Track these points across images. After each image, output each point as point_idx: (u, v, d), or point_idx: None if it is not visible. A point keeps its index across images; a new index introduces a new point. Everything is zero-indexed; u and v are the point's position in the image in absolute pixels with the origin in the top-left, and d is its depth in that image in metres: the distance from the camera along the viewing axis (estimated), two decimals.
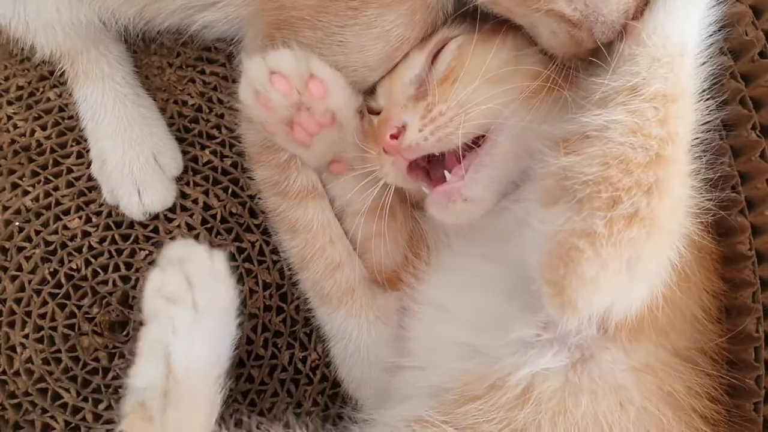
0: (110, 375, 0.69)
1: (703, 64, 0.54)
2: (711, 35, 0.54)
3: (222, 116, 0.74)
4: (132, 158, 0.70)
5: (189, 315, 0.55)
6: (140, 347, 0.56)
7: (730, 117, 0.65)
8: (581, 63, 0.59)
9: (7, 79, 0.75)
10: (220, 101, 0.75)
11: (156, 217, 0.72)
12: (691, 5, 0.53)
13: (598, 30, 0.55)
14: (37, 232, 0.71)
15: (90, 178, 0.72)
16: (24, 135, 0.74)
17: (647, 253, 0.49)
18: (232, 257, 0.71)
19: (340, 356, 0.66)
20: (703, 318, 0.59)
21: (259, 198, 0.70)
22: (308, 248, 0.65)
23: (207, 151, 0.73)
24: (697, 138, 0.55)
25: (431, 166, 0.59)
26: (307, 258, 0.65)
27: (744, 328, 0.63)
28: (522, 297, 0.54)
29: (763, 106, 0.63)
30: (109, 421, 0.67)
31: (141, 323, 0.64)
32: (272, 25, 0.63)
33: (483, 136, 0.57)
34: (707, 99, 0.54)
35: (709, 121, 0.55)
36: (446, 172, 0.57)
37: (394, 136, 0.56)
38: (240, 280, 0.71)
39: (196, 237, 0.71)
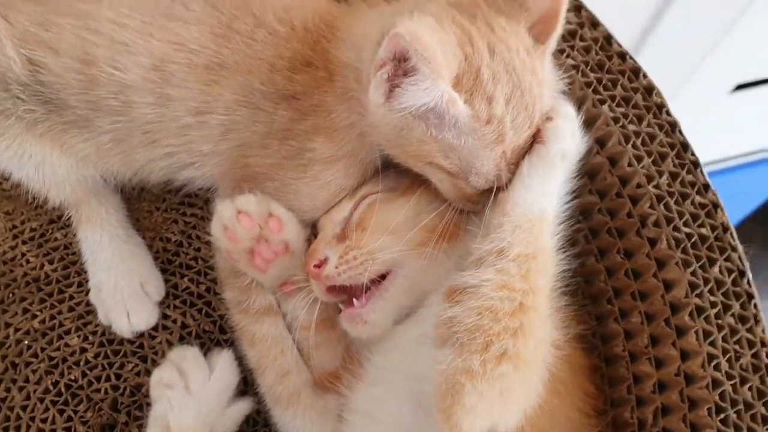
0: None
1: (562, 223, 0.66)
2: (568, 201, 0.67)
3: (199, 250, 0.90)
4: (123, 287, 0.84)
5: (181, 394, 0.73)
6: (148, 423, 0.74)
7: (601, 244, 0.82)
8: (474, 206, 0.70)
9: (23, 222, 0.91)
10: (198, 237, 0.90)
11: (142, 335, 0.85)
12: (547, 181, 0.64)
13: (473, 180, 0.66)
14: (43, 349, 0.85)
15: (88, 304, 0.86)
16: (35, 269, 0.89)
17: (516, 383, 0.59)
18: None
19: None
20: (581, 416, 0.70)
21: (227, 317, 0.85)
22: (263, 358, 0.78)
23: (185, 279, 0.89)
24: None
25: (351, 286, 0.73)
26: (263, 366, 0.78)
27: (621, 416, 0.77)
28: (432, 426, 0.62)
29: (625, 234, 0.79)
30: None
31: (127, 424, 0.79)
32: (239, 179, 0.76)
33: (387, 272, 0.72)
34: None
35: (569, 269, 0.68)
36: (354, 299, 0.71)
37: (317, 266, 0.71)
38: None
39: None
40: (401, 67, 0.59)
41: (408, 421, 0.68)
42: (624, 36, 1.60)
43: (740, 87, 1.87)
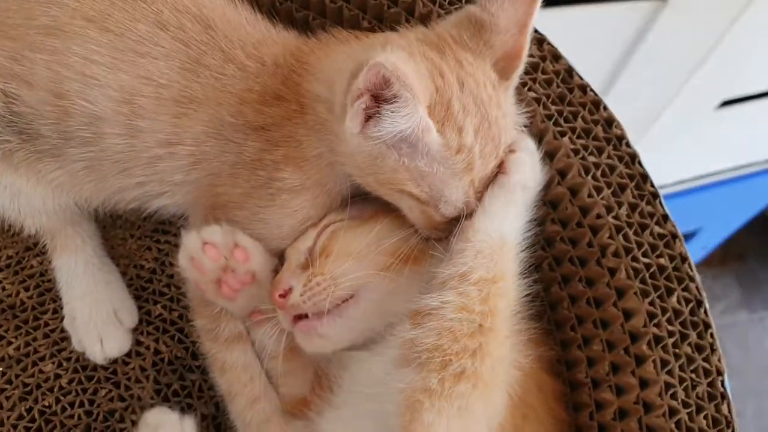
0: None
1: (524, 249, 0.69)
2: (530, 229, 0.69)
3: (172, 276, 0.92)
4: (96, 315, 0.85)
5: None
6: None
7: (564, 272, 0.83)
8: (441, 233, 0.71)
9: None
10: (171, 264, 0.92)
11: (115, 361, 0.87)
12: (508, 209, 0.67)
13: (443, 208, 0.68)
14: (17, 376, 0.87)
15: (63, 330, 0.87)
16: (10, 296, 0.90)
17: (475, 402, 0.60)
18: (175, 394, 0.87)
19: None
20: (550, 419, 0.72)
21: (199, 343, 0.87)
22: (233, 385, 0.79)
23: (159, 306, 0.90)
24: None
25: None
26: (233, 393, 0.79)
27: None
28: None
29: (586, 263, 0.80)
30: None
31: None
32: (210, 207, 0.78)
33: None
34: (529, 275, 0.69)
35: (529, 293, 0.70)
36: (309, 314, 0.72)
37: (282, 296, 0.72)
38: (183, 412, 0.86)
39: (147, 378, 0.87)
40: (382, 95, 0.61)
41: None
42: (608, 52, 1.62)
43: (726, 103, 1.89)
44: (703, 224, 2.35)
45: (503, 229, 0.67)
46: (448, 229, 0.71)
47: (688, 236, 2.35)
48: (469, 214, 0.69)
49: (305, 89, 0.73)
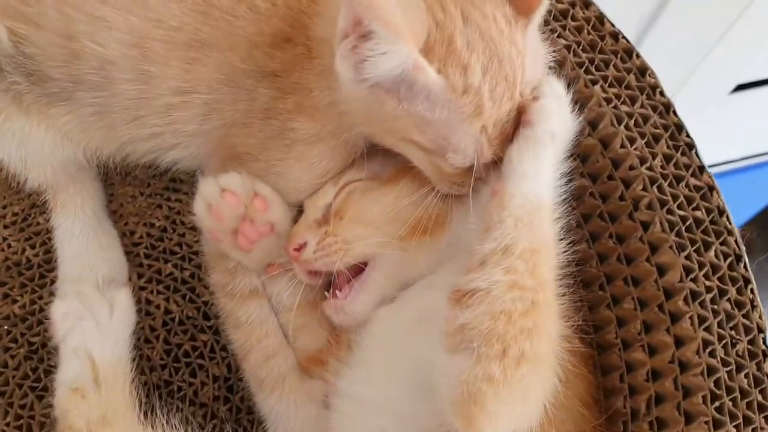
0: None
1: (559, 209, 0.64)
2: (563, 185, 0.64)
3: (183, 235, 0.88)
4: (83, 279, 0.83)
5: (95, 325, 0.72)
6: (62, 359, 0.71)
7: (592, 229, 0.80)
8: (459, 188, 0.68)
9: (4, 207, 0.90)
10: (183, 223, 0.89)
11: None
12: (539, 165, 0.61)
13: (451, 157, 0.63)
14: (22, 335, 0.83)
15: None
16: (16, 253, 0.87)
17: (536, 384, 0.57)
18: (186, 354, 0.83)
19: None
20: (583, 409, 0.68)
21: (211, 303, 0.83)
22: (248, 340, 0.76)
23: (169, 265, 0.87)
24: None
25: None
26: (247, 349, 0.76)
27: (614, 405, 0.75)
28: (428, 403, 0.61)
29: (617, 218, 0.77)
30: None
31: None
32: (225, 159, 0.75)
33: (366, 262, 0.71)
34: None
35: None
36: (336, 291, 0.71)
37: (296, 249, 0.70)
38: (193, 373, 0.83)
39: (157, 338, 0.84)
40: (360, 32, 0.57)
41: (403, 401, 0.66)
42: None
43: (740, 87, 1.85)
44: None
45: (538, 189, 0.61)
46: (465, 182, 0.67)
47: None
48: (486, 165, 0.65)
49: (312, 32, 0.70)
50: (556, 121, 0.62)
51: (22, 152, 0.79)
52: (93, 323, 0.73)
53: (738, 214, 2.43)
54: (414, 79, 0.58)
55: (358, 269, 0.73)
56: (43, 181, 0.84)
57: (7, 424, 0.80)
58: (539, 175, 0.61)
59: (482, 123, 0.61)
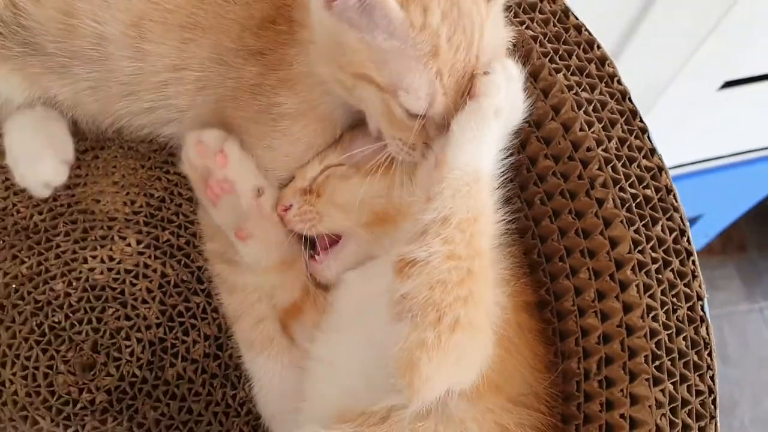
0: (78, 406, 0.86)
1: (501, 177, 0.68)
2: (504, 157, 0.68)
3: (180, 206, 0.95)
4: (32, 143, 0.86)
5: None
6: None
7: (555, 206, 0.86)
8: (411, 150, 0.71)
9: None
10: (180, 194, 0.95)
11: (123, 281, 0.91)
12: (479, 138, 0.64)
13: (403, 98, 0.66)
14: (29, 293, 0.91)
15: (74, 252, 0.92)
16: (24, 218, 0.94)
17: (470, 349, 0.62)
18: (180, 314, 0.90)
19: (258, 394, 0.82)
20: (532, 370, 0.74)
21: (205, 269, 0.90)
22: (241, 305, 0.83)
23: (167, 232, 0.94)
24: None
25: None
26: (239, 312, 0.83)
27: (569, 366, 0.82)
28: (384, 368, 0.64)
29: (576, 196, 0.83)
30: None
31: (105, 364, 0.84)
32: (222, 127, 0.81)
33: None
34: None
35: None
36: (316, 255, 0.80)
37: (285, 210, 0.79)
38: (186, 332, 0.90)
39: (153, 299, 0.91)
40: None
41: (367, 365, 0.71)
42: (610, 32, 1.63)
43: (728, 84, 1.89)
44: (705, 211, 2.36)
45: (477, 161, 0.64)
46: (415, 145, 0.71)
47: (689, 223, 2.37)
48: (438, 130, 0.68)
49: (294, 9, 0.76)
50: (503, 97, 0.65)
51: None
52: None
53: (728, 211, 2.47)
54: (375, 8, 0.62)
55: (331, 240, 0.81)
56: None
57: (14, 374, 0.87)
58: (480, 148, 0.64)
59: (438, 66, 0.64)
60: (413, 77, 0.64)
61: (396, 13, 0.62)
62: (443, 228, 0.61)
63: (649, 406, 0.71)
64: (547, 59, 0.83)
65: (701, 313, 0.75)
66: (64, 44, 0.77)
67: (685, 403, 0.71)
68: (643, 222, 0.77)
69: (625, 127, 0.80)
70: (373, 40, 0.64)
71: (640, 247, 0.77)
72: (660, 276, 0.76)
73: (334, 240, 0.81)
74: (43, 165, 0.87)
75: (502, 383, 0.70)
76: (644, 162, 0.79)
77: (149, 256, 0.93)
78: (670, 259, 0.76)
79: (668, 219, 0.77)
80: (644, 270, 0.76)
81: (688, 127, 2.04)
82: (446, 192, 0.62)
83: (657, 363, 0.73)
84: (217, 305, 0.89)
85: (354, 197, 0.77)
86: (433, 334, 0.59)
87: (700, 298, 0.75)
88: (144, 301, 0.91)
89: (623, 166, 0.79)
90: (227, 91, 0.78)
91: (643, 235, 0.77)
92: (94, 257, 0.93)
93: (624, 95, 0.81)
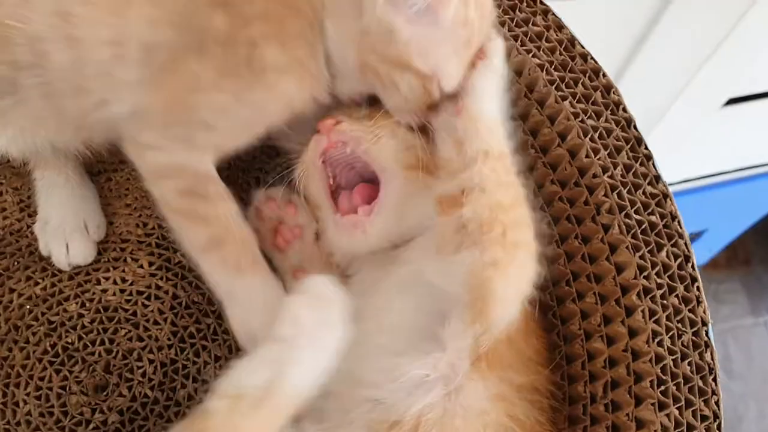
0: (91, 426, 0.88)
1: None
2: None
3: None
4: (67, 222, 0.89)
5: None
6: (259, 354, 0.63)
7: (561, 231, 0.88)
8: (426, 116, 0.75)
9: (29, 197, 0.97)
10: None
11: (135, 303, 0.93)
12: (494, 92, 0.72)
13: (445, 82, 0.72)
14: (43, 314, 0.92)
15: (87, 273, 0.93)
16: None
17: (529, 266, 0.66)
18: (191, 336, 0.92)
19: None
20: (535, 360, 0.75)
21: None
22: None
23: (178, 254, 0.95)
24: None
25: (338, 198, 0.80)
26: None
27: (575, 390, 0.83)
28: (416, 340, 0.67)
29: (582, 221, 0.86)
30: None
31: (118, 385, 0.85)
32: (169, 106, 0.74)
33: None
34: None
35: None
36: (359, 208, 0.76)
37: (335, 122, 0.77)
38: (197, 353, 0.91)
39: (165, 320, 0.93)
40: None
41: (387, 357, 0.69)
42: (615, 49, 1.65)
43: (732, 101, 1.91)
44: (709, 226, 2.37)
45: (495, 109, 0.72)
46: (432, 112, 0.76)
47: (694, 237, 2.38)
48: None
49: None
50: (503, 60, 0.74)
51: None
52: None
53: (732, 226, 2.48)
54: (435, 9, 0.68)
55: (367, 196, 0.78)
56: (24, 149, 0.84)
57: (27, 395, 0.88)
58: (494, 98, 0.72)
59: (470, 52, 0.72)
60: (452, 67, 0.71)
61: (453, 12, 0.68)
62: (487, 159, 0.67)
63: (655, 431, 0.72)
64: (554, 87, 0.84)
65: (706, 338, 0.76)
66: (2, 56, 0.73)
67: (690, 428, 0.72)
68: (649, 248, 0.79)
69: (630, 154, 0.82)
70: (424, 36, 0.69)
71: (645, 273, 0.78)
72: (665, 302, 0.77)
73: (366, 199, 0.78)
74: (75, 248, 0.91)
75: (511, 363, 0.71)
76: (649, 189, 0.80)
77: (161, 278, 0.94)
78: (675, 285, 0.77)
79: (673, 245, 0.79)
80: (649, 296, 0.77)
81: (693, 143, 2.05)
82: (482, 129, 0.68)
83: (662, 388, 0.74)
84: (227, 327, 0.89)
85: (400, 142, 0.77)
86: (502, 252, 0.63)
87: (704, 324, 0.76)
88: (156, 323, 0.92)
89: (629, 192, 0.80)
90: (189, 53, 0.72)
91: (649, 261, 0.78)
92: (107, 278, 0.94)
93: (629, 122, 0.82)
